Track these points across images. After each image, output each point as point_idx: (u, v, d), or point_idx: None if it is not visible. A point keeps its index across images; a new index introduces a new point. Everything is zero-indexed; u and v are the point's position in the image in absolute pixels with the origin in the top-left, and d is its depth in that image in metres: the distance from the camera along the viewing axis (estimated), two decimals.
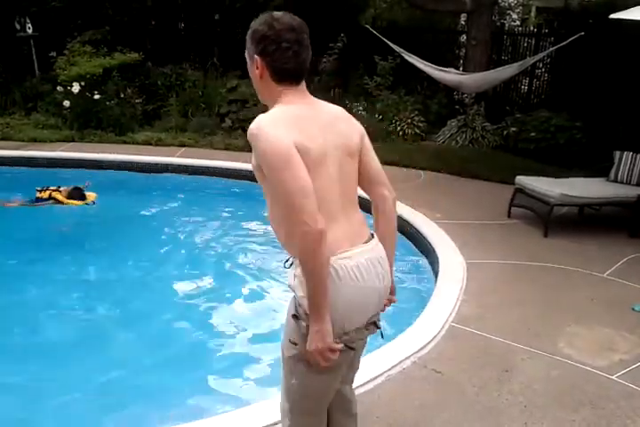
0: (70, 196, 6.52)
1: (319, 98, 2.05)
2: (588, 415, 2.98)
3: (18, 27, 10.76)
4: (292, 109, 1.90)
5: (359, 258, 1.95)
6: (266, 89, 1.96)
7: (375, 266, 1.99)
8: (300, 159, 1.78)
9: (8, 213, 6.22)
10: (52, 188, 6.57)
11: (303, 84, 1.97)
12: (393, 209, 2.18)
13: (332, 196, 1.93)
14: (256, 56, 1.90)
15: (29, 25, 10.60)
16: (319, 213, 1.77)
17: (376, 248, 2.04)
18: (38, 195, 6.50)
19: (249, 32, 1.93)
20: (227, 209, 6.64)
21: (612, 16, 6.07)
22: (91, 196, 6.65)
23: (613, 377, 3.32)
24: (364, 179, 2.11)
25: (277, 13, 1.92)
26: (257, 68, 1.92)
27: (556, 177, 6.22)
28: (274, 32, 1.86)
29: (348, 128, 2.04)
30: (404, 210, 6.10)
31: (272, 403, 2.68)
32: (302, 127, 1.85)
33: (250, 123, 1.87)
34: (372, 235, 2.09)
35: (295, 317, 1.94)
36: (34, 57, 10.76)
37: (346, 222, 1.97)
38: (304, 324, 1.89)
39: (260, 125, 1.81)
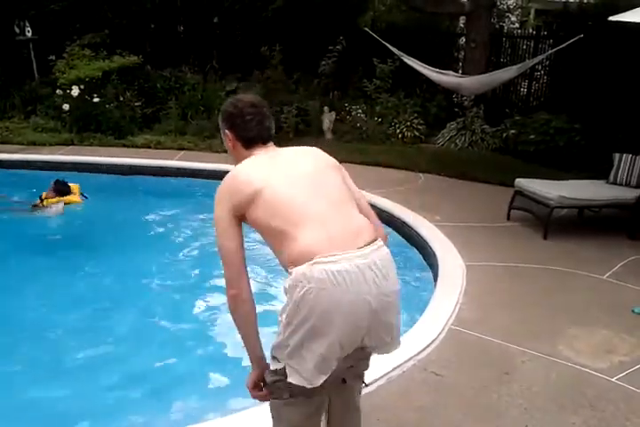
0: (60, 192, 6.48)
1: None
2: (588, 417, 2.98)
3: (17, 30, 10.79)
4: (251, 159, 2.14)
5: (344, 263, 1.89)
6: (239, 156, 2.20)
7: (365, 272, 1.91)
8: (229, 227, 2.02)
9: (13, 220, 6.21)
10: (40, 198, 6.47)
11: (270, 143, 2.22)
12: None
13: (293, 199, 1.99)
14: (227, 131, 2.21)
15: (29, 28, 10.63)
16: (242, 275, 2.02)
17: (372, 254, 1.97)
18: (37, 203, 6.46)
19: (220, 114, 2.27)
20: None
21: (611, 18, 6.08)
22: (75, 187, 6.61)
23: (613, 379, 3.32)
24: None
25: (241, 95, 2.34)
26: (229, 140, 2.22)
27: (555, 179, 6.22)
28: (238, 110, 2.19)
29: (314, 156, 2.21)
30: (404, 213, 6.12)
31: None
32: (254, 166, 2.09)
33: None
34: (375, 240, 2.02)
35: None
36: (33, 60, 10.78)
37: (331, 231, 1.95)
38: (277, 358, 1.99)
39: (216, 196, 2.09)
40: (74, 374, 3.58)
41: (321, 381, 1.91)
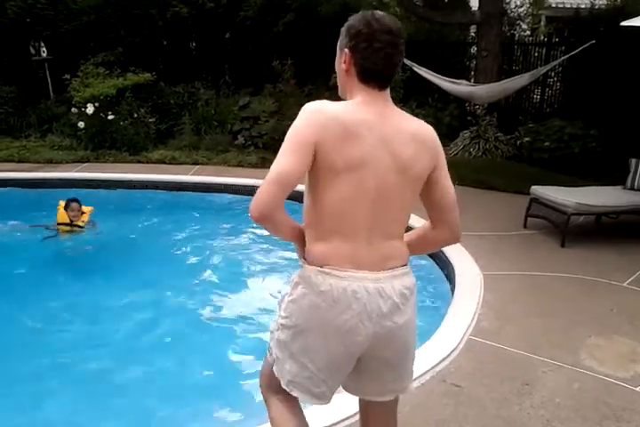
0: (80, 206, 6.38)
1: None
2: None
3: (33, 51, 10.97)
4: (356, 111, 1.83)
5: (352, 282, 1.83)
6: (348, 85, 1.92)
7: (372, 297, 1.84)
8: (306, 151, 1.75)
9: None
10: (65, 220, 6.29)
11: (387, 91, 1.91)
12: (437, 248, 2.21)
13: (354, 211, 1.84)
14: (346, 50, 1.88)
15: (44, 49, 10.80)
16: (280, 205, 1.75)
17: (388, 280, 1.87)
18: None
19: (345, 25, 1.90)
20: (243, 226, 6.64)
21: (624, 23, 6.05)
22: (87, 209, 6.49)
23: (637, 389, 3.26)
24: (430, 212, 2.05)
25: (379, 13, 1.88)
26: (344, 62, 1.90)
27: (571, 186, 6.16)
28: (370, 30, 1.82)
29: (414, 151, 1.87)
30: (419, 223, 6.07)
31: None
32: (350, 133, 1.78)
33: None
34: (401, 267, 1.93)
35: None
36: (48, 80, 10.93)
37: (361, 246, 1.86)
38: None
39: (307, 110, 1.82)
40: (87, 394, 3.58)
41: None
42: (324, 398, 1.98)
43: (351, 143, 1.78)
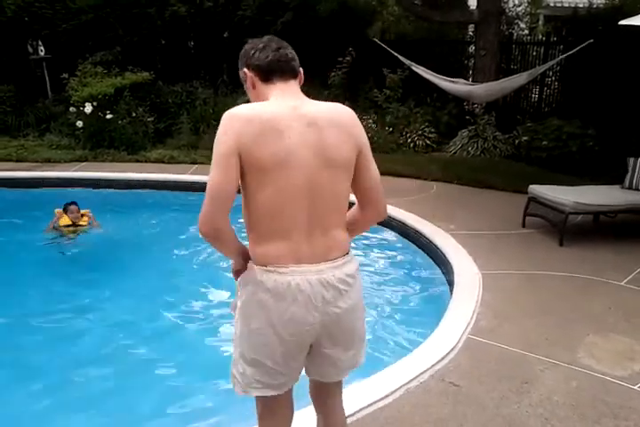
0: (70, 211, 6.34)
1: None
2: None
3: (30, 50, 10.95)
4: (269, 108, 1.90)
5: (296, 276, 1.91)
6: (259, 97, 2.01)
7: (315, 288, 1.92)
8: (232, 160, 1.80)
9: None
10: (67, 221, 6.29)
11: (293, 83, 1.99)
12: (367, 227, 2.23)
13: (289, 208, 1.89)
14: (245, 69, 2.01)
15: (42, 48, 10.79)
16: (222, 217, 1.84)
17: (330, 271, 1.95)
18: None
19: (239, 60, 2.06)
20: (241, 224, 6.64)
21: (622, 22, 6.06)
22: (85, 212, 6.47)
23: (635, 387, 3.27)
24: (357, 194, 2.09)
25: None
26: (248, 80, 2.01)
27: (569, 185, 6.18)
28: (252, 44, 2.02)
29: (336, 137, 1.91)
30: (417, 222, 6.09)
31: None
32: (267, 129, 1.83)
33: None
34: (342, 256, 2.00)
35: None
36: (46, 79, 10.93)
37: (301, 243, 1.92)
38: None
39: (223, 119, 1.87)
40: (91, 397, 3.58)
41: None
42: (284, 387, 2.07)
43: (271, 139, 1.83)
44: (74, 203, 6.33)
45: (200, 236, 1.84)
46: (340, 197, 1.97)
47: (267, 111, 1.87)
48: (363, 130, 2.03)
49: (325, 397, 2.30)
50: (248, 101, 2.07)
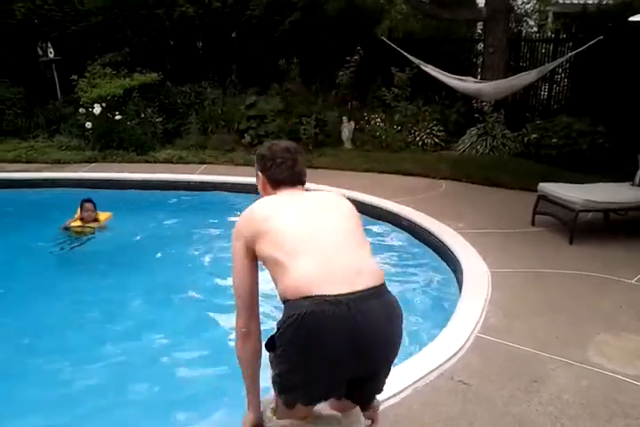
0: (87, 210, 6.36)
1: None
2: (622, 426, 2.90)
3: (40, 52, 11.00)
4: (271, 196, 2.25)
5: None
6: (266, 194, 2.31)
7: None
8: (247, 265, 2.10)
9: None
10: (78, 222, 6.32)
11: (299, 186, 2.30)
12: None
13: (297, 233, 2.04)
14: (259, 173, 2.32)
15: (51, 49, 10.84)
16: (255, 315, 2.11)
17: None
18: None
19: (255, 156, 2.36)
20: None
21: (632, 19, 6.02)
22: (104, 215, 6.53)
23: None
24: None
25: (277, 140, 2.42)
26: (260, 182, 2.32)
27: (579, 183, 6.14)
28: (271, 153, 2.29)
29: (333, 202, 2.25)
30: (426, 220, 6.08)
31: None
32: (271, 201, 2.20)
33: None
34: (379, 286, 2.01)
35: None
36: (56, 80, 10.98)
37: (328, 260, 1.98)
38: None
39: (234, 231, 2.15)
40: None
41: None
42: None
43: (267, 211, 2.14)
44: (89, 200, 6.33)
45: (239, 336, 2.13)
46: (356, 231, 2.19)
47: (271, 198, 2.25)
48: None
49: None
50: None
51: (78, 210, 6.34)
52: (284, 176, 2.25)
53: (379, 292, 2.00)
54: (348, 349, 1.90)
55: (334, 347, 1.89)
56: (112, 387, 3.61)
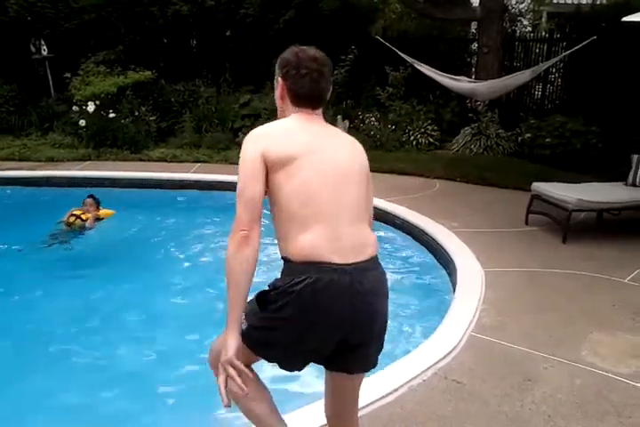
0: (99, 205, 6.44)
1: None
2: (615, 424, 2.92)
3: (33, 49, 10.96)
4: (287, 122, 2.10)
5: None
6: (284, 109, 2.15)
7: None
8: (258, 170, 1.95)
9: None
10: (75, 212, 6.37)
11: (319, 111, 2.14)
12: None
13: (320, 196, 1.97)
14: (279, 79, 2.12)
15: (44, 47, 10.80)
16: (256, 221, 1.93)
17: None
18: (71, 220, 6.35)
19: (278, 59, 2.16)
20: None
21: (625, 19, 6.04)
22: (107, 213, 6.60)
23: (639, 385, 3.25)
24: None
25: (304, 46, 2.16)
26: (280, 88, 2.13)
27: (573, 182, 6.16)
28: (296, 59, 2.09)
29: (353, 153, 2.14)
30: (420, 220, 6.09)
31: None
32: (284, 136, 2.03)
33: None
34: (373, 258, 2.06)
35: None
36: (49, 78, 10.94)
37: (340, 234, 1.97)
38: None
39: (247, 138, 2.03)
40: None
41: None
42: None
43: (291, 136, 2.02)
44: (90, 196, 6.44)
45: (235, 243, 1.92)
46: (365, 197, 2.11)
47: (290, 124, 2.09)
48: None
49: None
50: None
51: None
52: (306, 90, 2.08)
53: (375, 263, 2.06)
54: (348, 314, 1.96)
55: (334, 312, 1.94)
56: (117, 387, 3.60)
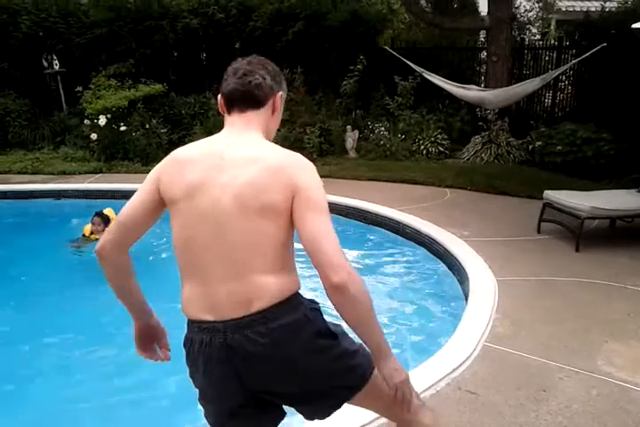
0: (108, 223, 6.36)
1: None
2: None
3: (45, 64, 11.09)
4: (199, 144, 1.90)
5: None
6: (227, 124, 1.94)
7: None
8: (145, 189, 1.84)
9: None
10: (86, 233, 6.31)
11: (248, 116, 1.86)
12: (345, 299, 1.65)
13: (194, 251, 1.76)
14: (219, 95, 1.93)
15: (56, 62, 10.93)
16: (124, 243, 1.85)
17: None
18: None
19: None
20: None
21: (635, 26, 6.03)
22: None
23: None
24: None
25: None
26: (219, 107, 1.94)
27: (585, 190, 6.12)
28: (229, 67, 1.92)
29: (257, 180, 1.71)
30: (432, 229, 6.06)
31: None
32: (182, 162, 1.82)
33: None
34: (262, 314, 1.71)
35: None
36: (61, 92, 11.05)
37: (213, 291, 1.74)
38: None
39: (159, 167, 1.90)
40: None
41: None
42: None
43: (183, 173, 1.78)
44: (97, 214, 6.28)
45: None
46: (261, 238, 1.72)
47: (195, 148, 1.88)
48: (305, 175, 1.75)
49: None
50: None
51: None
52: (231, 87, 1.83)
53: (269, 316, 1.73)
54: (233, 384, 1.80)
55: (215, 381, 1.82)
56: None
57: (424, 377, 3.36)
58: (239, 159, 1.76)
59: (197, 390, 1.88)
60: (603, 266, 5.13)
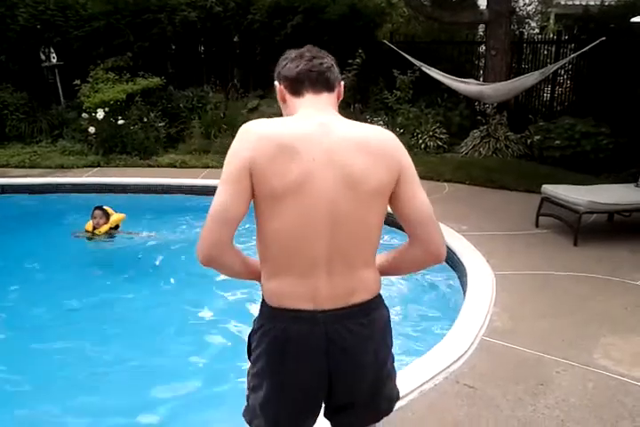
0: (108, 216, 6.29)
1: (339, 112, 1.81)
2: None
3: (43, 57, 11.03)
4: (292, 124, 1.69)
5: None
6: (289, 113, 1.81)
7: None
8: (243, 178, 1.61)
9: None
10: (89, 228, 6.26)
11: (326, 97, 1.78)
12: (436, 264, 1.83)
13: (306, 242, 1.67)
14: (275, 83, 1.83)
15: (54, 55, 10.86)
16: (225, 243, 1.67)
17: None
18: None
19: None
20: (252, 226, 6.62)
21: (634, 19, 6.02)
22: (119, 216, 6.56)
23: None
24: (403, 228, 1.79)
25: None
26: (278, 93, 1.83)
27: (583, 184, 6.12)
28: (287, 54, 1.81)
29: (365, 162, 1.66)
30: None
31: None
32: (284, 149, 1.61)
33: None
34: (365, 303, 1.75)
35: None
36: (59, 85, 11.00)
37: (317, 282, 1.69)
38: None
39: (238, 133, 1.68)
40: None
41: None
42: None
43: (287, 161, 1.60)
44: (98, 208, 6.25)
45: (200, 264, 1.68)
46: (370, 227, 1.72)
47: (287, 128, 1.67)
48: (404, 154, 1.75)
49: None
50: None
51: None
52: (301, 69, 1.73)
53: (364, 309, 1.75)
54: (321, 375, 1.74)
55: (304, 372, 1.75)
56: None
57: (422, 371, 3.37)
58: (342, 142, 1.66)
59: (266, 384, 1.76)
60: (600, 260, 5.15)
